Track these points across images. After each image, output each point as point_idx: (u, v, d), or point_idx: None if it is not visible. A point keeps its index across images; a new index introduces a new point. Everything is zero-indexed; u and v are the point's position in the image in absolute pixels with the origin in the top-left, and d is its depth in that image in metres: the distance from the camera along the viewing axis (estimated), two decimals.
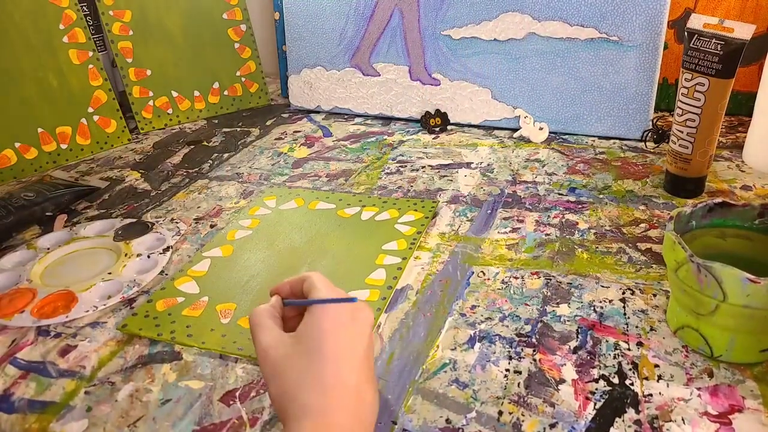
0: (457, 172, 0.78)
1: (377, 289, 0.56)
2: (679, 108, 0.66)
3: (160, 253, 0.63)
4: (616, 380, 0.44)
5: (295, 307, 0.41)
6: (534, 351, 0.48)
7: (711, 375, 0.44)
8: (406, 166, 0.81)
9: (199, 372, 0.48)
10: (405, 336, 0.50)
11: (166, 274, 0.61)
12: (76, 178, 0.84)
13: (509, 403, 0.43)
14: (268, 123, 1.01)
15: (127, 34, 0.97)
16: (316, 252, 0.62)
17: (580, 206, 0.68)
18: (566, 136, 0.87)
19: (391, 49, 0.95)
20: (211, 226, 0.69)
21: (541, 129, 0.86)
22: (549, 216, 0.66)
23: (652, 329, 0.49)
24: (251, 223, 0.69)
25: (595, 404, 0.42)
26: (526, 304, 0.53)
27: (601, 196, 0.70)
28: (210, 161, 0.87)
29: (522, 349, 0.48)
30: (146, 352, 0.51)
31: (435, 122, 0.92)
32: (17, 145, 0.86)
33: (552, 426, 0.41)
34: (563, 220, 0.65)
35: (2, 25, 0.84)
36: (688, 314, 0.46)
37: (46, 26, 0.88)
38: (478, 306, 0.53)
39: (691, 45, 0.63)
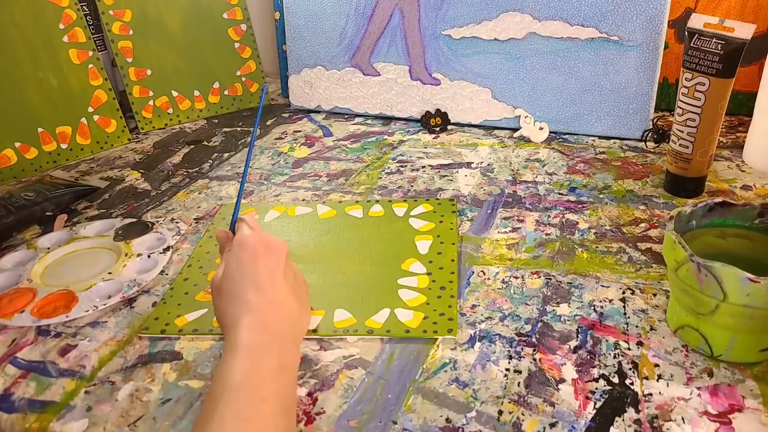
0: (457, 171, 0.78)
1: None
2: (680, 108, 0.66)
3: (161, 253, 0.63)
4: (616, 380, 0.44)
5: None
6: (534, 350, 0.48)
7: (711, 374, 0.44)
8: (406, 165, 0.81)
9: (199, 371, 0.48)
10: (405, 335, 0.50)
11: (166, 274, 0.61)
12: (76, 178, 0.84)
13: (509, 402, 0.43)
14: (269, 123, 1.01)
15: (127, 34, 0.97)
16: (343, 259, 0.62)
17: (580, 206, 0.68)
18: (566, 136, 0.87)
19: (392, 48, 0.95)
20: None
21: (541, 129, 0.86)
22: (549, 216, 0.66)
23: (652, 329, 0.49)
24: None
25: (595, 404, 0.42)
26: (527, 304, 0.53)
27: (601, 195, 0.70)
28: (210, 161, 0.87)
29: (522, 349, 0.48)
30: (146, 352, 0.51)
31: (435, 122, 0.92)
32: (17, 144, 0.86)
33: (552, 425, 0.41)
34: (563, 219, 0.65)
35: (2, 25, 0.84)
36: (688, 314, 0.46)
37: (46, 26, 0.88)
38: (479, 305, 0.53)
39: (691, 44, 0.63)
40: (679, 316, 0.47)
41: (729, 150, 0.79)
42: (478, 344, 0.49)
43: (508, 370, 0.46)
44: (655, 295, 0.53)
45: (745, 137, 0.77)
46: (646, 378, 0.44)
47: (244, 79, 1.07)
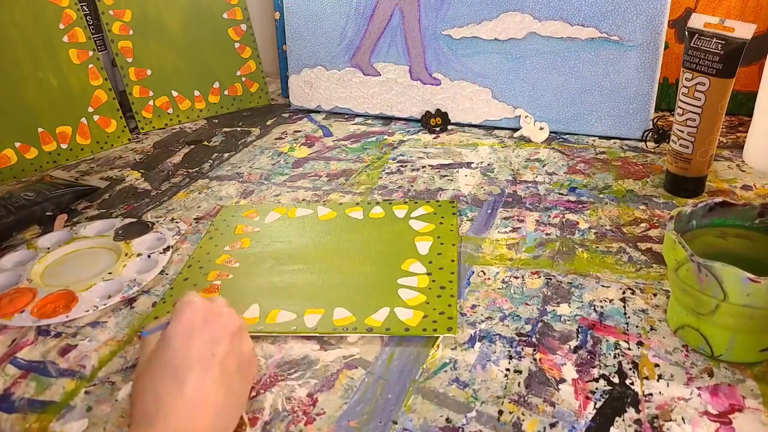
0: (457, 171, 0.78)
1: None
2: (680, 108, 0.66)
3: (161, 253, 0.63)
4: (616, 380, 0.44)
5: None
6: (534, 350, 0.48)
7: (711, 374, 0.44)
8: (406, 165, 0.81)
9: None
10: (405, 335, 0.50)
11: (166, 274, 0.61)
12: (76, 178, 0.84)
13: (509, 402, 0.43)
14: (269, 123, 1.01)
15: (127, 34, 0.97)
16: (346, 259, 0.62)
17: (580, 206, 0.68)
18: (567, 136, 0.87)
19: (392, 48, 0.95)
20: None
21: (541, 129, 0.86)
22: (549, 216, 0.66)
23: (652, 329, 0.49)
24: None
25: (595, 404, 0.42)
26: (527, 304, 0.53)
27: (601, 195, 0.70)
28: (210, 161, 0.87)
29: (522, 349, 0.48)
30: None
31: (435, 122, 0.92)
32: (17, 144, 0.86)
33: (552, 425, 0.41)
34: (563, 219, 0.65)
35: (2, 25, 0.84)
36: (688, 314, 0.46)
37: (46, 26, 0.88)
38: (479, 305, 0.53)
39: (691, 44, 0.63)
40: (679, 316, 0.47)
41: (729, 150, 0.79)
42: (478, 344, 0.49)
43: (508, 370, 0.46)
44: (655, 295, 0.53)
45: (745, 137, 0.77)
46: (647, 378, 0.44)
47: (244, 79, 1.07)
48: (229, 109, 1.07)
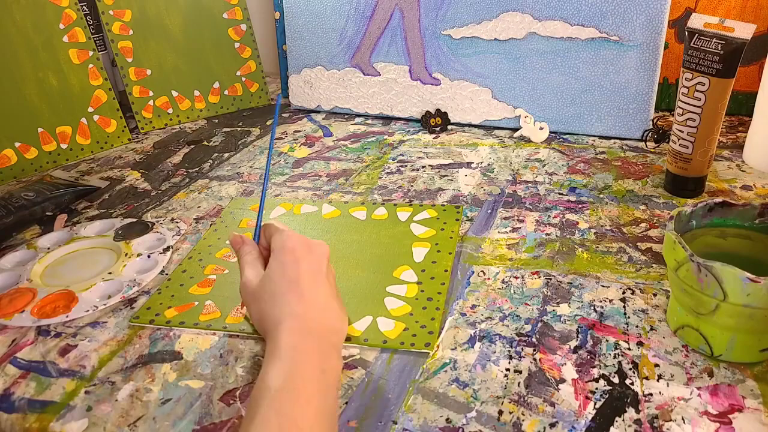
0: (457, 171, 0.78)
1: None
2: (680, 108, 0.66)
3: (161, 253, 0.63)
4: (616, 380, 0.44)
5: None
6: (534, 350, 0.48)
7: (711, 374, 0.44)
8: (406, 165, 0.81)
9: (199, 371, 0.48)
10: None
11: (166, 274, 0.61)
12: (77, 178, 0.84)
13: (509, 402, 0.43)
14: (269, 123, 1.01)
15: (127, 34, 0.97)
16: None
17: (580, 206, 0.68)
18: (566, 136, 0.87)
19: (392, 48, 0.95)
20: (211, 226, 0.69)
21: (541, 129, 0.86)
22: (549, 216, 0.66)
23: (652, 329, 0.49)
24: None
25: (595, 404, 0.42)
26: (527, 304, 0.53)
27: (601, 195, 0.70)
28: (210, 161, 0.87)
29: (522, 349, 0.48)
30: (146, 352, 0.51)
31: (435, 122, 0.92)
32: (17, 144, 0.86)
33: (552, 425, 0.41)
34: (563, 219, 0.65)
35: (2, 24, 0.84)
36: (688, 314, 0.46)
37: (46, 26, 0.88)
38: (479, 305, 0.53)
39: (691, 44, 0.63)
40: (679, 316, 0.47)
41: (729, 150, 0.79)
42: (478, 344, 0.49)
43: (508, 370, 0.46)
44: (655, 295, 0.53)
45: (745, 137, 0.77)
46: (646, 378, 0.44)
47: (244, 79, 1.07)
48: (229, 109, 1.07)
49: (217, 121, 1.03)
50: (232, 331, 0.52)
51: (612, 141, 0.84)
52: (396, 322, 0.51)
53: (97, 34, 0.98)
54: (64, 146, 0.90)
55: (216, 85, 1.05)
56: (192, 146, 0.93)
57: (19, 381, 0.48)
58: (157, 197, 0.78)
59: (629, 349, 0.47)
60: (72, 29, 0.90)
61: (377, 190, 0.75)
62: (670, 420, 0.41)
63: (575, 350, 0.47)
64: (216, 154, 0.89)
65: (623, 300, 0.52)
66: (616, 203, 0.68)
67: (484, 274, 0.57)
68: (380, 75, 0.96)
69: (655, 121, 0.85)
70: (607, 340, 0.48)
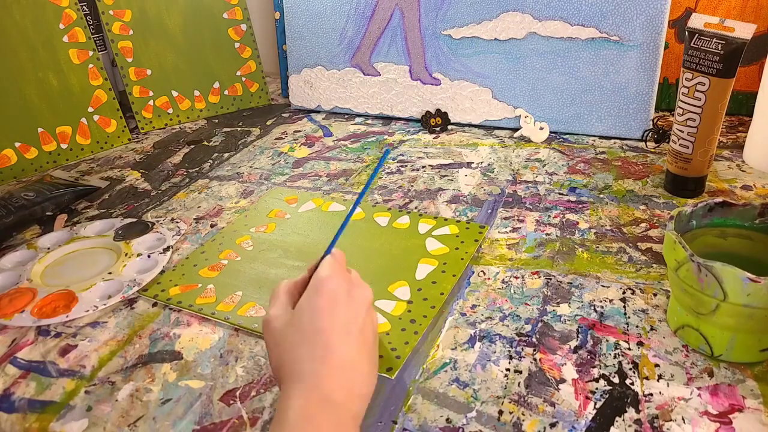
0: (457, 171, 0.78)
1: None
2: (680, 108, 0.66)
3: (161, 253, 0.63)
4: (616, 380, 0.44)
5: None
6: (534, 350, 0.48)
7: (711, 374, 0.44)
8: (406, 165, 0.81)
9: (199, 371, 0.48)
10: None
11: (166, 274, 0.61)
12: (77, 178, 0.84)
13: (509, 402, 0.43)
14: (269, 123, 1.01)
15: (127, 34, 0.97)
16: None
17: (580, 206, 0.68)
18: (567, 136, 0.87)
19: (392, 48, 0.95)
20: (212, 226, 0.69)
21: (541, 129, 0.86)
22: (549, 215, 0.66)
23: (652, 329, 0.49)
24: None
25: (595, 404, 0.42)
26: (527, 304, 0.53)
27: (601, 195, 0.70)
28: (210, 161, 0.87)
29: (522, 349, 0.48)
30: (146, 352, 0.51)
31: (435, 122, 0.92)
32: (17, 144, 0.86)
33: (552, 425, 0.41)
34: (563, 219, 0.65)
35: (2, 24, 0.84)
36: (688, 314, 0.46)
37: (46, 26, 0.88)
38: (479, 305, 0.53)
39: (691, 44, 0.63)
40: (679, 316, 0.47)
41: (729, 150, 0.79)
42: (478, 344, 0.49)
43: (508, 370, 0.46)
44: (655, 295, 0.53)
45: (745, 137, 0.77)
46: (647, 378, 0.44)
47: (244, 79, 1.07)
48: (229, 109, 1.07)
49: (217, 121, 1.03)
50: (217, 318, 0.53)
51: (612, 141, 0.84)
52: None
53: (97, 34, 0.98)
54: (64, 146, 0.90)
55: (216, 85, 1.05)
56: (192, 146, 0.93)
57: (19, 381, 0.48)
58: (157, 197, 0.78)
59: (629, 349, 0.47)
60: (72, 29, 0.90)
61: (377, 190, 0.75)
62: (670, 420, 0.41)
63: (575, 350, 0.47)
64: (216, 154, 0.89)
65: (623, 300, 0.52)
66: (616, 203, 0.68)
67: (484, 274, 0.57)
68: (380, 75, 0.96)
69: (655, 121, 0.85)
70: (607, 340, 0.48)
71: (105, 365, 0.49)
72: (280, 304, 0.40)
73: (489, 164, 0.80)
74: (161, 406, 0.45)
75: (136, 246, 0.65)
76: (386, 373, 0.46)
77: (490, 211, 0.68)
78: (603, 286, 0.54)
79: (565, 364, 0.46)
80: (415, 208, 0.70)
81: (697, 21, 0.64)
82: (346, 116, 1.01)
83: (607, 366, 0.46)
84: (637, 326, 0.49)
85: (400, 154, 0.85)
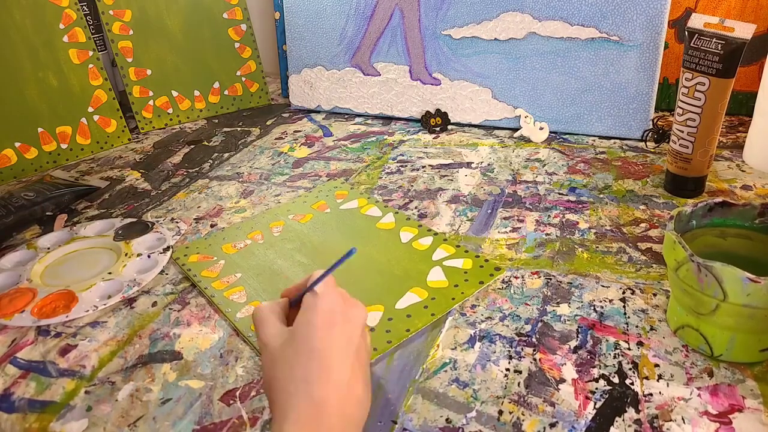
0: (457, 171, 0.78)
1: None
2: (680, 108, 0.66)
3: (161, 253, 0.63)
4: (616, 380, 0.44)
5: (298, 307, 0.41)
6: (534, 350, 0.48)
7: (711, 374, 0.44)
8: (406, 165, 0.81)
9: (199, 371, 0.48)
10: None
11: (166, 274, 0.61)
12: (77, 178, 0.84)
13: (509, 402, 0.43)
14: (269, 123, 1.01)
15: (127, 34, 0.97)
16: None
17: (580, 206, 0.68)
18: (566, 136, 0.87)
19: (392, 48, 0.95)
20: (212, 226, 0.69)
21: (541, 129, 0.86)
22: (549, 216, 0.66)
23: (652, 329, 0.49)
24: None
25: (595, 404, 0.42)
26: (527, 304, 0.53)
27: (601, 195, 0.70)
28: (210, 161, 0.87)
29: (522, 349, 0.48)
30: (146, 352, 0.51)
31: (435, 122, 0.92)
32: (17, 144, 0.86)
33: (552, 425, 0.41)
34: (563, 219, 0.65)
35: (2, 24, 0.84)
36: (688, 314, 0.46)
37: (46, 26, 0.88)
38: (479, 305, 0.53)
39: (691, 44, 0.63)
40: (679, 316, 0.47)
41: (729, 150, 0.79)
42: (478, 344, 0.49)
43: (508, 370, 0.46)
44: (655, 295, 0.53)
45: (745, 137, 0.77)
46: (646, 378, 0.44)
47: (244, 79, 1.07)
48: (229, 109, 1.07)
49: (217, 121, 1.03)
50: (208, 295, 0.56)
51: (612, 141, 0.84)
52: None
53: (97, 34, 0.98)
54: (64, 146, 0.90)
55: (216, 85, 1.05)
56: (192, 146, 0.93)
57: (19, 381, 0.48)
58: (157, 197, 0.78)
59: (629, 349, 0.47)
60: (72, 29, 0.90)
61: (377, 190, 0.75)
62: (670, 420, 0.41)
63: (575, 350, 0.47)
64: (216, 154, 0.89)
65: (623, 300, 0.52)
66: (616, 203, 0.68)
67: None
68: (380, 75, 0.96)
69: (655, 121, 0.85)
70: (607, 340, 0.48)
71: (105, 365, 0.49)
72: (271, 325, 0.39)
73: (489, 164, 0.80)
74: (161, 406, 0.45)
75: (136, 246, 0.65)
76: None
77: (489, 211, 0.68)
78: (603, 286, 0.54)
79: (565, 364, 0.46)
80: (415, 208, 0.70)
81: (696, 21, 0.64)
82: (346, 116, 1.01)
83: (606, 366, 0.46)
84: (636, 326, 0.49)
85: (400, 154, 0.85)
